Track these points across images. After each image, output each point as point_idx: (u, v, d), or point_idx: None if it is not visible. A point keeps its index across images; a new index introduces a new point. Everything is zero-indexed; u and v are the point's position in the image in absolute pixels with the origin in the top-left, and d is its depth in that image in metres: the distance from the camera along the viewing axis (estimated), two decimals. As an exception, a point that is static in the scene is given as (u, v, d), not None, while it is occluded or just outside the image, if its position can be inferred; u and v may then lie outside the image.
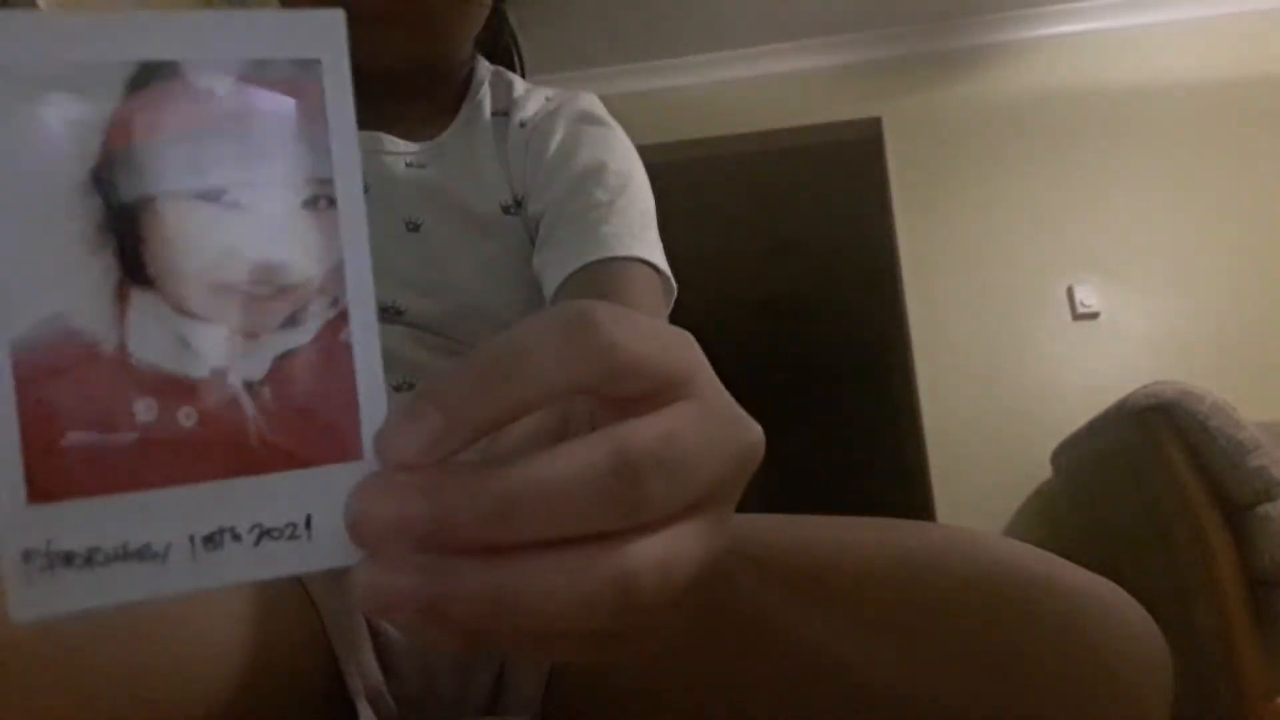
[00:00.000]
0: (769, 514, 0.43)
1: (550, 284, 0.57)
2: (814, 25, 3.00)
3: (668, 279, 0.60)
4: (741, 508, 0.28)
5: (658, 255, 0.59)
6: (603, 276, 0.55)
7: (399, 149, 0.64)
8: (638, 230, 0.59)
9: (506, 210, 0.63)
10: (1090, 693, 0.35)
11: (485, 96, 0.69)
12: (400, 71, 0.63)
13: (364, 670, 0.51)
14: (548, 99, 0.69)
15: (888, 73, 3.02)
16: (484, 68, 0.72)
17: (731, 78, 3.11)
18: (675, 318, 0.62)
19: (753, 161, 3.38)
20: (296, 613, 0.47)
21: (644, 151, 0.74)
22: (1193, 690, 1.64)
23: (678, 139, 3.03)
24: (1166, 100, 2.80)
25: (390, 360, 0.22)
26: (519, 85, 0.71)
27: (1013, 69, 2.94)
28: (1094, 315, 2.62)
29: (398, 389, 0.55)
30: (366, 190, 0.57)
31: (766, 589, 0.38)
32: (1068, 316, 2.65)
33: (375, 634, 0.54)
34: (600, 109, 0.69)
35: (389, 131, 0.65)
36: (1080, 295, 2.63)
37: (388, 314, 0.57)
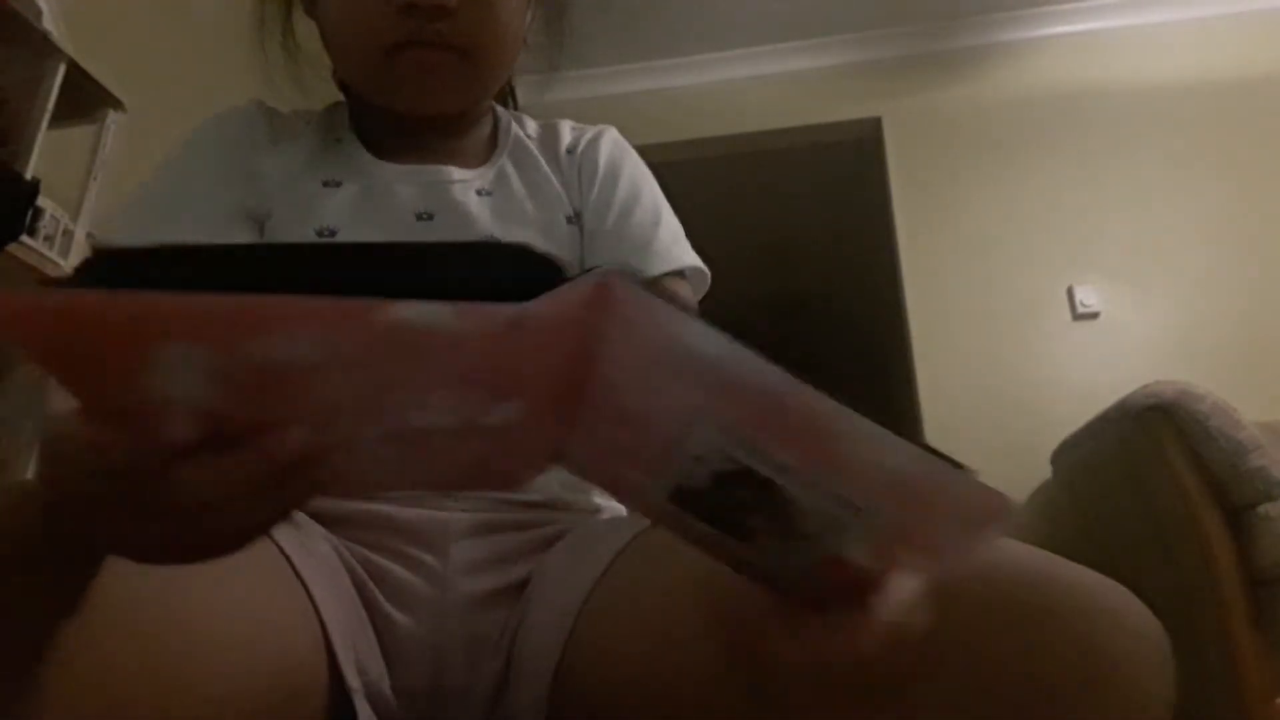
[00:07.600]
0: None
1: None
2: (814, 25, 3.00)
3: (704, 272, 0.75)
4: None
5: (692, 256, 0.74)
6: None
7: (464, 178, 0.73)
8: (677, 241, 0.74)
9: (569, 220, 0.74)
10: (1093, 690, 0.35)
11: (516, 130, 0.80)
12: (450, 113, 0.75)
13: (364, 667, 0.51)
14: (574, 128, 0.81)
15: (888, 73, 3.02)
16: (499, 109, 0.83)
17: (731, 78, 3.11)
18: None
19: (753, 161, 3.38)
20: (296, 610, 0.47)
21: (644, 151, 0.77)
22: (1193, 690, 1.64)
23: (678, 139, 3.02)
24: (1167, 100, 2.80)
25: None
26: (539, 121, 0.83)
27: (1013, 69, 2.94)
28: (1094, 315, 2.62)
29: None
30: (432, 217, 0.66)
31: None
32: (1068, 316, 2.65)
33: (380, 627, 0.54)
34: (623, 139, 0.82)
35: (448, 164, 0.74)
36: (1080, 295, 2.63)
37: None
